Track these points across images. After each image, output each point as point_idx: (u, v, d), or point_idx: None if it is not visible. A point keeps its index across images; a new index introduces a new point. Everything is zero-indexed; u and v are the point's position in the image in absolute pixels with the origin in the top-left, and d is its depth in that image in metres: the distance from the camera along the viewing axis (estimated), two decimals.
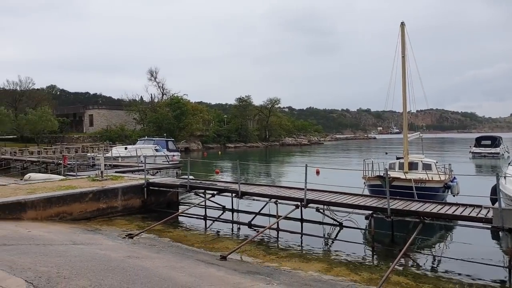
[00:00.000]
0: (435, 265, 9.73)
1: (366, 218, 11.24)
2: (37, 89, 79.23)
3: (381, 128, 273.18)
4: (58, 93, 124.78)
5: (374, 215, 10.81)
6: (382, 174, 13.90)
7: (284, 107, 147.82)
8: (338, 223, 12.52)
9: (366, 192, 13.90)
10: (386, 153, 26.80)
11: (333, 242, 11.56)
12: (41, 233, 9.32)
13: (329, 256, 10.16)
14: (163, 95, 78.37)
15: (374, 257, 10.35)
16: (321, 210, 12.10)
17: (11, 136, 57.53)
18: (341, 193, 12.53)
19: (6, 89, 69.69)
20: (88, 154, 34.05)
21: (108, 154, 30.07)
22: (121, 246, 9.32)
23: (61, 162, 25.66)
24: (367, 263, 9.72)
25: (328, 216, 12.43)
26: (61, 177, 18.97)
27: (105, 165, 17.94)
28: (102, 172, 16.73)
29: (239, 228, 13.17)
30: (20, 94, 68.06)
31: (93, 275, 5.66)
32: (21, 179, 19.94)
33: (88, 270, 5.99)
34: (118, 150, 32.98)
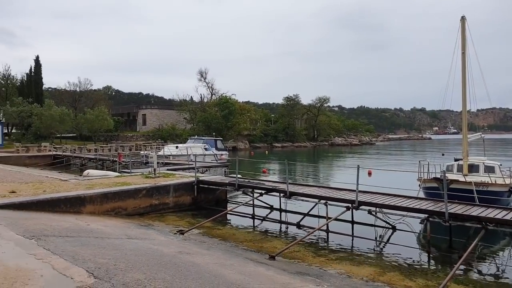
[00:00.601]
0: (499, 274, 9.15)
1: (421, 222, 10.79)
2: (94, 90, 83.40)
3: (437, 128, 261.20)
4: (113, 93, 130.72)
5: (430, 219, 10.34)
6: (439, 176, 13.31)
7: (333, 106, 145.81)
8: (391, 226, 12.10)
9: (421, 195, 13.36)
10: (443, 155, 25.59)
11: (385, 246, 11.20)
12: (98, 226, 9.74)
13: (382, 260, 9.84)
14: (212, 95, 79.85)
15: (430, 263, 9.89)
16: (373, 213, 11.76)
17: (71, 134, 60.91)
18: (394, 195, 12.09)
19: (67, 90, 74.04)
20: (141, 152, 35.30)
21: (160, 153, 30.99)
22: (172, 241, 9.54)
23: (116, 159, 26.75)
24: (422, 269, 9.30)
25: (380, 219, 12.07)
26: (117, 173, 19.78)
27: (157, 162, 18.48)
28: (154, 170, 17.25)
29: (287, 228, 13.09)
30: (79, 94, 72.02)
31: (147, 269, 5.81)
32: (80, 175, 21.00)
33: (142, 264, 6.16)
34: (169, 149, 33.92)
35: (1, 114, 53.41)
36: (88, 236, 8.12)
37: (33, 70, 59.87)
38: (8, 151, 39.90)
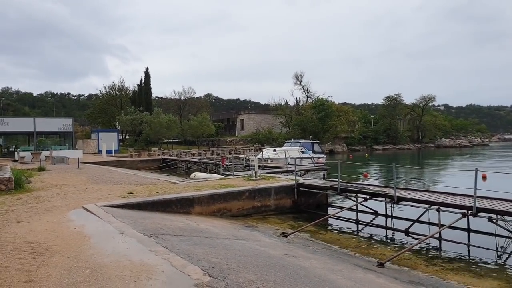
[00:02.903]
0: None
1: None
2: (197, 97, 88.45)
3: None
4: (213, 100, 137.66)
5: None
6: None
7: (439, 105, 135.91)
8: None
9: None
10: None
11: (509, 257, 10.04)
12: (207, 227, 10.19)
13: (506, 272, 8.84)
14: (307, 98, 79.74)
15: None
16: (494, 220, 10.60)
17: (177, 140, 65.33)
18: None
19: (173, 98, 79.69)
20: (241, 156, 36.47)
21: (259, 156, 31.69)
22: (277, 244, 9.61)
23: (218, 162, 27.97)
24: None
25: (502, 227, 10.82)
26: (220, 176, 20.66)
27: (258, 165, 18.89)
28: (256, 172, 17.65)
29: (393, 235, 12.41)
30: (183, 102, 76.95)
31: (257, 270, 5.88)
32: (187, 177, 22.34)
33: (252, 264, 6.27)
34: (267, 152, 34.54)
35: (117, 122, 59.37)
36: (199, 236, 8.53)
37: (143, 81, 65.44)
38: (123, 155, 44.02)
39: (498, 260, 9.83)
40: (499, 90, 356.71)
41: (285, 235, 11.10)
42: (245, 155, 34.71)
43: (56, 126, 40.02)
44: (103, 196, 12.79)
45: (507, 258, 10.00)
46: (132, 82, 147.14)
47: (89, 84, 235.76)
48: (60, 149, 38.24)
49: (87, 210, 10.04)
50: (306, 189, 15.63)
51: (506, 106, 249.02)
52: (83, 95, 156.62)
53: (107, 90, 69.77)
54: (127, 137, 65.93)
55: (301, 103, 79.61)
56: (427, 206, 11.81)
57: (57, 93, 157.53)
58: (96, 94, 77.54)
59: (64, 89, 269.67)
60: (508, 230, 10.84)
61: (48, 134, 42.25)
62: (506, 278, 8.35)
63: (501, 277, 8.48)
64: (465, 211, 10.48)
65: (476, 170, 10.38)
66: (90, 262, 5.75)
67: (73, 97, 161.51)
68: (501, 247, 10.65)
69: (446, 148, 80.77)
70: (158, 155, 44.24)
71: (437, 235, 10.89)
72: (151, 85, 66.31)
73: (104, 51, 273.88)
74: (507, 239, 10.93)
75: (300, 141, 40.73)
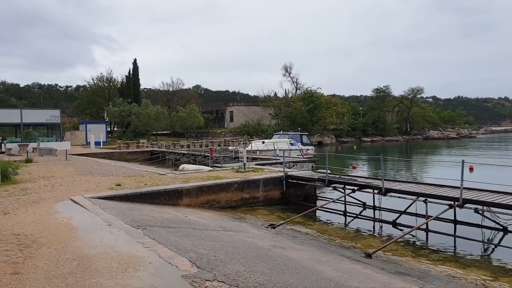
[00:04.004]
0: None
1: None
2: (186, 89, 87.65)
3: None
4: (202, 92, 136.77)
5: None
6: None
7: (427, 97, 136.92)
8: (501, 227, 10.95)
9: None
10: None
11: (495, 248, 10.20)
12: (195, 218, 10.17)
13: (492, 263, 8.98)
14: (296, 89, 79.68)
15: None
16: (480, 212, 10.74)
17: (165, 132, 64.86)
18: (505, 192, 10.92)
19: (161, 90, 78.93)
20: (230, 148, 36.37)
21: (248, 148, 31.64)
22: (265, 235, 9.63)
23: (207, 154, 27.87)
24: None
25: (488, 219, 10.98)
26: (209, 168, 20.59)
27: (246, 157, 18.86)
28: (244, 164, 17.63)
29: (381, 227, 12.53)
30: (172, 94, 76.19)
31: (245, 261, 5.89)
32: (175, 169, 22.23)
33: (240, 256, 6.27)
34: (256, 144, 34.51)
35: (105, 113, 58.70)
36: (187, 227, 8.50)
37: (131, 72, 64.59)
38: (111, 147, 43.60)
39: (483, 251, 9.98)
40: (486, 82, 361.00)
41: (273, 226, 11.12)
42: (234, 147, 34.65)
43: (44, 118, 39.45)
44: (91, 187, 12.66)
45: (493, 250, 10.16)
46: (120, 73, 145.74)
47: (76, 75, 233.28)
48: (48, 141, 37.76)
49: (75, 202, 9.94)
50: (295, 181, 15.66)
51: (493, 98, 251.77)
52: (70, 86, 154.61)
53: (95, 81, 68.77)
54: (115, 128, 65.21)
55: (290, 95, 79.56)
56: (414, 197, 11.91)
57: (44, 84, 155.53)
58: (84, 85, 76.38)
59: (51, 80, 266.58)
60: (494, 221, 11.00)
61: (36, 126, 41.64)
62: (491, 268, 8.48)
63: (487, 267, 8.61)
64: (452, 203, 10.60)
65: (463, 162, 10.49)
66: (77, 254, 5.69)
67: (61, 88, 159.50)
68: (487, 239, 10.80)
69: (434, 140, 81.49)
70: (147, 146, 43.92)
71: (424, 227, 11.01)
72: (140, 76, 65.57)
73: (92, 41, 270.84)
74: (493, 231, 11.09)
75: (288, 133, 40.73)
